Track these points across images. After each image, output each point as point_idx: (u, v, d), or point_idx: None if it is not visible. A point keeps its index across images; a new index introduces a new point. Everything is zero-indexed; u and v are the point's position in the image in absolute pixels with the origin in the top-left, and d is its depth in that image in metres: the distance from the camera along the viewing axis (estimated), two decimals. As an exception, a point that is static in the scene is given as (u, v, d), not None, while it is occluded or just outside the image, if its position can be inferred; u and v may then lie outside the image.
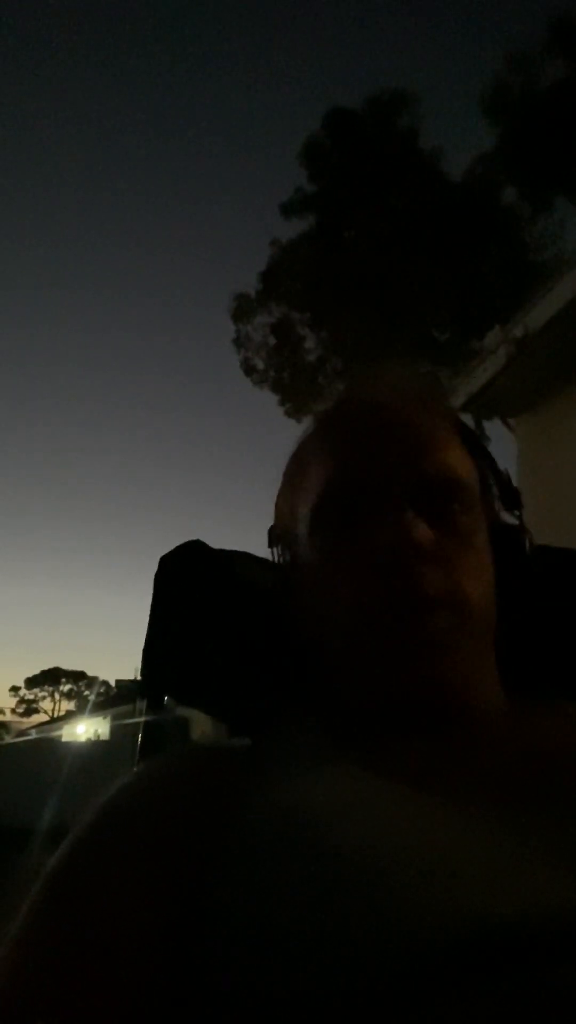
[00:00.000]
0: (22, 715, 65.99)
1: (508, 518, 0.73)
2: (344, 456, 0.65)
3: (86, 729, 23.92)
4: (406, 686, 0.59)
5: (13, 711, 67.62)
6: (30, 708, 67.68)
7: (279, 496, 0.75)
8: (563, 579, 0.79)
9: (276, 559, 0.74)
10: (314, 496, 0.65)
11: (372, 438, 0.65)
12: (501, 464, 0.73)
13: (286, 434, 0.74)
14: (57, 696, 68.31)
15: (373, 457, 0.64)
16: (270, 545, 0.75)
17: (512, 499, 0.73)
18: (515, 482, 0.74)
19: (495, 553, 0.67)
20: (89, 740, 19.95)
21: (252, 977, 0.43)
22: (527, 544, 0.72)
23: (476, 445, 0.70)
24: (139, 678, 0.83)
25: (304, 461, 0.70)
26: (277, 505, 0.75)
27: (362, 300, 13.35)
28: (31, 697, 68.84)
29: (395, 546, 0.59)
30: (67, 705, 65.66)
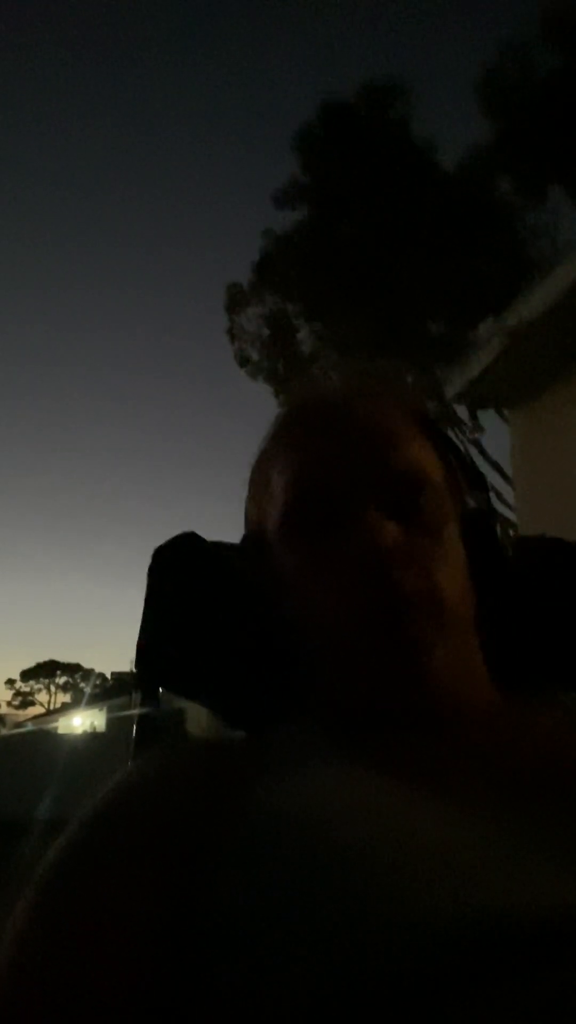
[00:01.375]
0: (18, 708, 66.00)
1: (480, 503, 0.72)
2: (305, 460, 0.65)
3: (82, 721, 23.94)
4: (390, 688, 0.59)
5: (9, 704, 67.68)
6: (26, 701, 67.68)
7: (247, 503, 0.75)
8: (545, 566, 0.79)
9: (253, 565, 0.73)
10: (280, 503, 0.65)
11: (331, 440, 0.64)
12: (495, 455, 0.73)
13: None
14: (53, 689, 68.32)
15: (334, 459, 0.63)
16: (246, 554, 0.74)
17: (478, 483, 0.72)
18: (509, 472, 0.74)
19: (468, 541, 0.67)
20: (85, 732, 19.97)
21: (255, 976, 0.43)
22: (497, 528, 0.72)
23: (437, 434, 0.70)
24: (134, 670, 0.83)
25: (266, 466, 0.70)
26: (246, 512, 0.75)
27: (356, 291, 13.32)
28: (27, 690, 68.84)
29: (365, 551, 0.59)
30: (63, 697, 65.68)
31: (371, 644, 0.59)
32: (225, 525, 0.84)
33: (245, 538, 0.75)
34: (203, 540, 0.84)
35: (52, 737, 17.28)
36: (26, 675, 68.80)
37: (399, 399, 0.71)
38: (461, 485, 0.71)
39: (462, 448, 0.73)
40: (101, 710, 22.52)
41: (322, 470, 0.64)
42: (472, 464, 0.73)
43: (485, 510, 0.72)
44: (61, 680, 68.33)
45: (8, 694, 69.21)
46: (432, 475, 0.65)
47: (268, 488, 0.68)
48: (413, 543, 0.61)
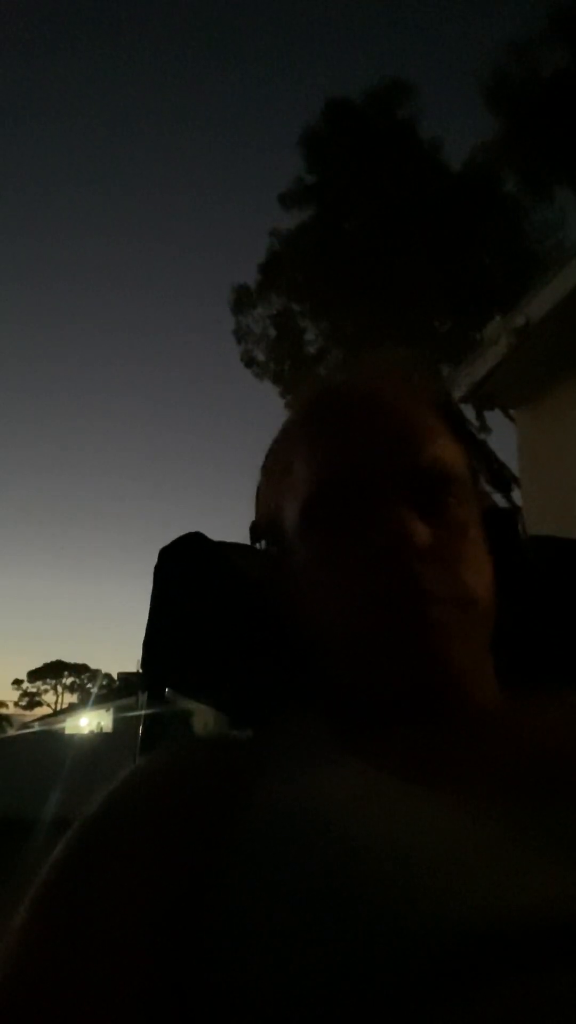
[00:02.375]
0: (25, 708, 66.21)
1: (501, 501, 0.72)
2: (334, 450, 0.64)
3: (89, 722, 23.96)
4: (408, 682, 0.59)
5: (16, 704, 67.90)
6: (33, 701, 67.89)
7: (260, 489, 0.74)
8: (560, 568, 0.79)
9: (262, 560, 0.73)
10: (303, 492, 0.64)
11: (361, 431, 0.63)
12: (502, 455, 0.73)
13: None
14: (60, 689, 68.51)
15: (363, 451, 0.62)
16: (253, 541, 0.74)
17: (502, 482, 0.72)
18: (516, 472, 0.74)
19: (489, 539, 0.66)
20: (92, 732, 19.99)
21: (257, 974, 0.43)
22: (521, 527, 0.72)
23: (464, 429, 0.69)
24: (141, 671, 0.83)
25: (288, 453, 0.68)
26: (259, 499, 0.74)
27: (362, 291, 13.31)
28: (34, 690, 69.04)
29: (392, 546, 0.59)
30: (70, 698, 65.90)
31: (392, 638, 0.59)
32: (231, 525, 0.84)
33: (255, 526, 0.74)
34: (209, 540, 0.84)
35: (59, 737, 17.32)
36: (33, 675, 69.01)
37: (426, 392, 0.70)
38: (485, 482, 0.71)
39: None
40: (108, 711, 22.54)
41: (351, 461, 0.62)
42: (496, 461, 0.72)
43: (509, 508, 0.72)
44: (68, 681, 68.53)
45: (15, 694, 69.49)
46: (460, 473, 0.65)
47: (289, 475, 0.67)
48: (439, 540, 0.60)
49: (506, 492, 0.72)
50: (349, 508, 0.62)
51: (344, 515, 0.62)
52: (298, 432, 0.69)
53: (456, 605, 0.59)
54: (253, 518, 0.75)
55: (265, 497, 0.72)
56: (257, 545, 0.73)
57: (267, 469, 0.72)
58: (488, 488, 0.71)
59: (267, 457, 0.73)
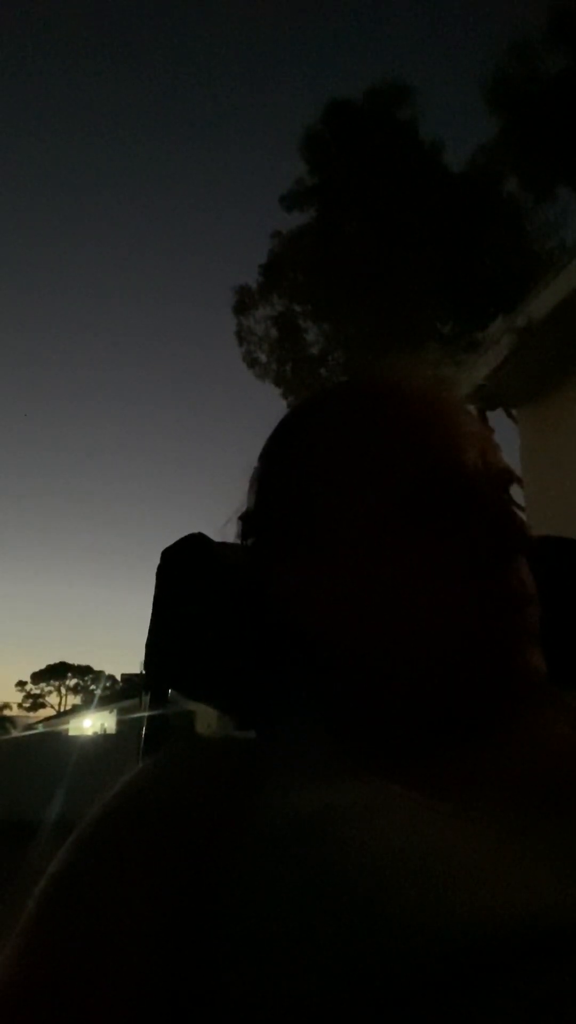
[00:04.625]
0: (29, 710, 66.32)
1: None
2: (436, 444, 0.61)
3: (92, 723, 23.99)
4: (481, 685, 0.59)
5: (20, 706, 67.98)
6: (37, 703, 67.95)
7: (265, 478, 0.70)
8: (564, 567, 0.79)
9: (247, 547, 0.70)
10: (398, 484, 0.60)
11: (454, 429, 0.63)
12: (503, 454, 0.73)
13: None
14: (63, 691, 68.56)
15: (463, 449, 0.62)
16: (245, 534, 0.71)
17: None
18: (517, 472, 0.74)
19: None
20: (96, 734, 20.00)
21: (261, 979, 0.43)
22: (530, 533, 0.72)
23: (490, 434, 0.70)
24: (143, 672, 0.83)
25: (346, 444, 0.64)
26: (260, 488, 0.70)
27: (364, 292, 13.31)
28: (37, 692, 69.13)
29: (493, 543, 0.59)
30: (73, 699, 65.98)
31: (488, 631, 0.58)
32: (233, 526, 0.83)
33: (248, 519, 0.71)
34: (211, 541, 0.84)
35: (62, 739, 17.32)
36: (37, 677, 69.09)
37: (461, 397, 0.70)
38: None
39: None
40: (111, 712, 22.57)
41: (455, 456, 0.61)
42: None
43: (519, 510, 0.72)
44: (71, 682, 68.60)
45: (19, 696, 69.60)
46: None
47: (353, 467, 0.62)
48: None
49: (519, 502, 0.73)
50: (448, 505, 0.60)
51: (441, 512, 0.60)
52: (369, 425, 0.64)
53: (528, 608, 0.60)
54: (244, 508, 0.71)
55: (278, 487, 0.68)
56: (246, 540, 0.71)
57: (288, 457, 0.68)
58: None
59: (279, 447, 0.70)
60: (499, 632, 0.58)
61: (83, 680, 68.05)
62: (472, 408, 0.72)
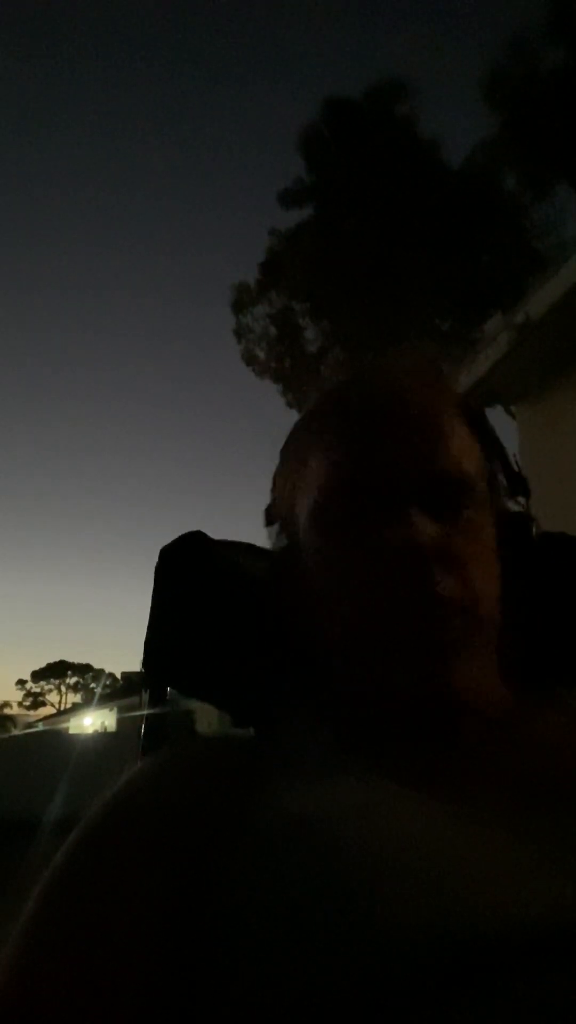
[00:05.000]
0: (29, 708, 66.37)
1: (515, 505, 0.72)
2: (350, 447, 0.63)
3: (93, 721, 24.00)
4: (418, 690, 0.58)
5: (20, 704, 68.07)
6: (37, 701, 68.00)
7: (278, 475, 0.72)
8: (564, 565, 0.79)
9: (274, 540, 0.72)
10: (317, 487, 0.63)
11: (381, 430, 0.62)
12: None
13: (288, 424, 0.73)
14: (64, 689, 68.62)
15: (381, 451, 0.61)
16: (267, 524, 0.73)
17: (519, 487, 0.71)
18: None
19: (501, 542, 0.65)
20: (96, 732, 20.01)
21: (260, 976, 0.43)
22: (533, 532, 0.71)
23: (484, 430, 0.68)
24: (142, 670, 0.83)
25: (306, 444, 0.67)
26: (275, 484, 0.73)
27: (362, 289, 13.31)
28: (38, 690, 69.17)
29: (405, 548, 0.58)
30: (73, 698, 66.08)
31: (403, 641, 0.58)
32: (232, 524, 0.84)
33: (269, 509, 0.73)
34: (209, 539, 0.84)
35: (63, 737, 17.33)
36: (37, 675, 69.13)
37: (449, 391, 0.69)
38: (501, 485, 0.70)
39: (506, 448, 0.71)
40: (111, 710, 22.58)
41: (368, 460, 0.61)
42: (516, 467, 0.71)
43: (524, 514, 0.71)
44: (72, 680, 68.66)
45: (19, 695, 69.66)
46: (476, 476, 0.64)
47: (304, 467, 0.66)
48: (453, 545, 0.59)
49: (524, 496, 0.71)
50: (363, 507, 0.61)
51: (358, 511, 0.61)
52: (317, 424, 0.67)
53: (464, 609, 0.58)
54: (269, 500, 0.74)
55: (281, 483, 0.71)
56: (270, 529, 0.72)
57: (287, 455, 0.71)
58: (505, 492, 0.71)
59: (287, 443, 0.72)
60: (409, 642, 0.57)
61: (83, 678, 68.13)
62: (472, 407, 0.69)
